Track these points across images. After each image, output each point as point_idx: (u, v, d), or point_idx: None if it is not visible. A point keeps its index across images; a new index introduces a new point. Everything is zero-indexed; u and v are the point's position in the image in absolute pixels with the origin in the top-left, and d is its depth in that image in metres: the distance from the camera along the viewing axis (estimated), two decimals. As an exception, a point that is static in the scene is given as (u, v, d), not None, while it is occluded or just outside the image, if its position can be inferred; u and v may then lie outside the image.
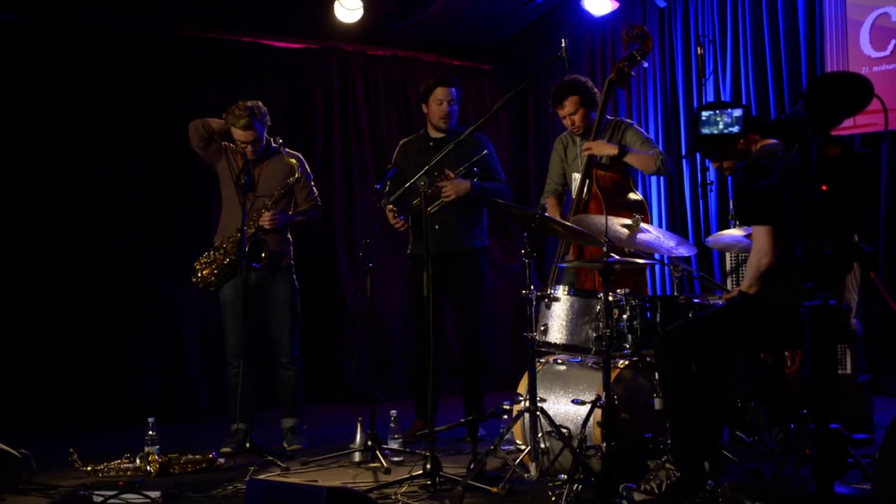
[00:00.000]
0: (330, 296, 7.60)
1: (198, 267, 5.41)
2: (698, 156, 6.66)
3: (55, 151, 6.64)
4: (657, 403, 4.08)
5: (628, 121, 5.47)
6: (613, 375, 4.13)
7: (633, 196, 5.24)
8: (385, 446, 5.00)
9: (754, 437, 4.53)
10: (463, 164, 5.47)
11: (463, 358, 5.89)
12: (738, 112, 2.63)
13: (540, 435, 4.22)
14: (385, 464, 4.71)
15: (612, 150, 5.15)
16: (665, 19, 7.72)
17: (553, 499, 3.88)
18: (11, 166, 6.47)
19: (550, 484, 4.03)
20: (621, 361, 4.34)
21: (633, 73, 5.31)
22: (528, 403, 4.25)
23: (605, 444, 3.92)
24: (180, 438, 5.69)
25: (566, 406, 4.35)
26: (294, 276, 5.51)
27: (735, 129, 2.63)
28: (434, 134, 5.75)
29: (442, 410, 5.54)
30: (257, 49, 7.50)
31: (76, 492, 4.31)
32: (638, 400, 4.23)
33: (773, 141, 3.77)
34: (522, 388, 4.44)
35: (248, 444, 5.01)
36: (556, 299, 4.41)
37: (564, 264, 4.95)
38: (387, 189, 5.48)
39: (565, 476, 3.98)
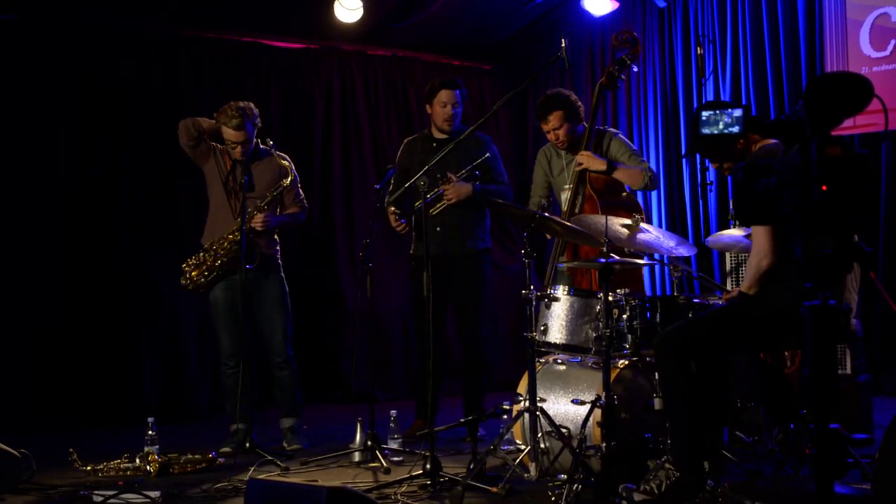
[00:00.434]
0: (330, 296, 7.60)
1: (186, 269, 5.40)
2: (698, 156, 6.66)
3: (55, 151, 6.64)
4: (657, 403, 4.08)
5: (613, 130, 5.46)
6: (613, 375, 4.13)
7: (626, 196, 5.25)
8: (385, 446, 5.00)
9: (754, 437, 4.53)
10: (465, 166, 5.46)
11: (464, 359, 5.89)
12: (738, 112, 2.63)
13: (540, 435, 4.22)
14: (385, 464, 4.71)
15: (601, 165, 5.15)
16: (665, 19, 7.72)
17: (553, 499, 3.88)
18: (11, 166, 6.48)
19: (550, 484, 4.03)
20: (621, 361, 4.34)
21: (623, 76, 5.31)
22: (527, 403, 4.25)
23: (604, 444, 3.92)
24: (180, 438, 5.69)
25: (566, 406, 4.35)
26: (283, 275, 5.51)
27: (735, 129, 2.63)
28: (437, 135, 5.75)
29: (442, 410, 5.54)
30: (257, 49, 7.50)
31: (76, 492, 4.30)
32: (638, 400, 4.23)
33: (772, 141, 3.77)
34: (522, 387, 4.44)
35: (247, 444, 5.00)
36: (556, 299, 4.41)
37: (561, 264, 4.95)
38: (389, 189, 5.48)
39: (565, 476, 3.98)
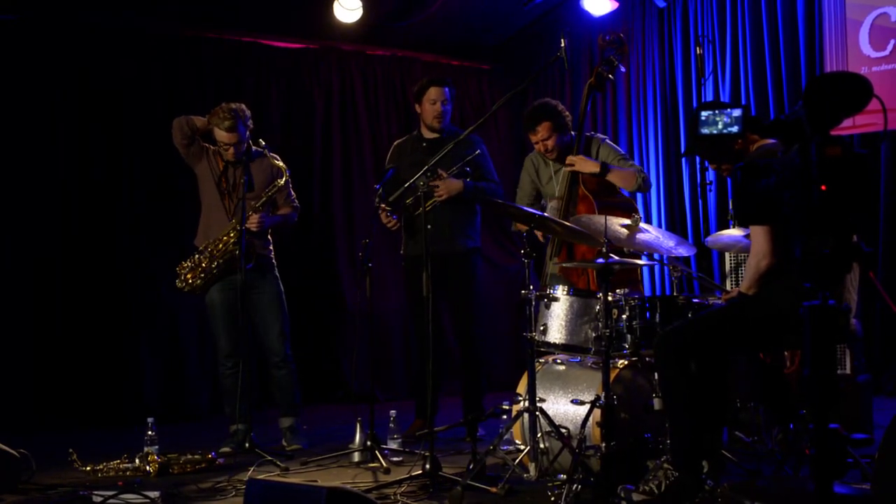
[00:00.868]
0: (330, 296, 7.60)
1: (182, 272, 5.40)
2: (697, 156, 6.66)
3: (55, 151, 6.64)
4: (656, 403, 4.08)
5: (601, 136, 5.45)
6: (613, 375, 4.13)
7: (620, 196, 5.25)
8: (384, 446, 5.00)
9: (754, 437, 4.53)
10: (456, 163, 5.46)
11: (461, 358, 5.89)
12: (737, 112, 2.63)
13: (539, 435, 4.22)
14: (384, 464, 4.71)
15: (594, 167, 5.15)
16: (664, 19, 7.72)
17: (552, 499, 3.88)
18: (11, 166, 6.48)
19: (550, 484, 4.03)
20: (620, 361, 4.34)
21: (611, 77, 5.32)
22: (527, 403, 4.25)
23: (604, 444, 3.92)
24: (180, 438, 5.69)
25: (565, 406, 4.35)
26: (277, 275, 5.52)
27: (734, 128, 2.63)
28: (427, 134, 5.75)
29: (441, 410, 5.54)
30: (257, 49, 7.50)
31: (75, 492, 4.30)
32: (637, 400, 4.23)
33: (771, 141, 3.77)
34: (522, 388, 4.44)
35: (247, 445, 5.00)
36: (556, 299, 4.41)
37: (555, 265, 4.95)
38: (387, 189, 5.49)
39: (564, 476, 3.98)
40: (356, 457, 4.90)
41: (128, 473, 4.72)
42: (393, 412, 5.19)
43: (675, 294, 4.54)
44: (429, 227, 5.48)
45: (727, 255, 5.59)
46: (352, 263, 7.65)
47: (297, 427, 5.50)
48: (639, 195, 7.10)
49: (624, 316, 4.25)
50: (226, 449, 5.19)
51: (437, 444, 4.67)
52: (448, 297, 5.76)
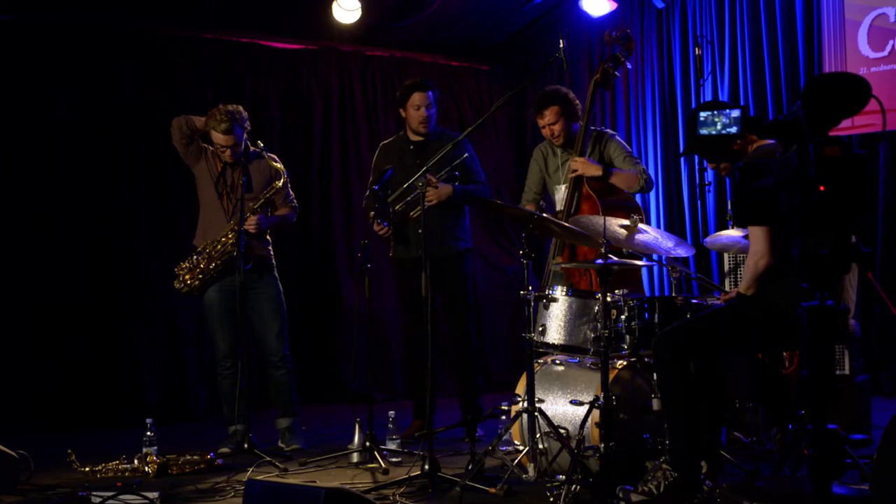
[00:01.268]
0: (329, 296, 7.60)
1: (180, 273, 5.40)
2: (696, 156, 6.66)
3: (55, 151, 6.63)
4: (655, 404, 4.09)
5: (610, 132, 5.47)
6: (611, 376, 4.13)
7: (624, 196, 5.25)
8: (383, 447, 5.00)
9: (752, 437, 4.53)
10: (444, 167, 5.46)
11: (457, 359, 5.90)
12: (736, 112, 2.63)
13: (538, 435, 4.22)
14: (383, 464, 4.71)
15: (596, 171, 5.16)
16: (663, 20, 7.72)
17: (551, 499, 3.88)
18: (11, 166, 6.47)
19: (549, 484, 4.03)
20: (619, 362, 4.34)
21: (617, 74, 5.32)
22: (526, 404, 4.25)
23: (603, 445, 3.92)
24: (179, 439, 5.69)
25: (564, 406, 4.35)
26: (276, 275, 5.52)
27: (733, 129, 2.63)
28: (413, 137, 5.75)
29: (440, 411, 5.54)
30: (256, 49, 7.50)
31: (74, 492, 4.29)
32: (636, 400, 4.23)
33: (770, 141, 3.77)
34: (520, 388, 4.44)
35: (245, 445, 5.00)
36: (555, 300, 4.41)
37: (555, 265, 4.95)
38: (382, 191, 5.49)
39: (563, 477, 3.99)
40: (355, 457, 4.90)
41: (126, 474, 4.72)
42: (392, 413, 5.19)
43: (673, 295, 4.54)
44: (420, 231, 5.50)
45: (726, 255, 5.59)
46: (351, 263, 7.65)
47: (295, 427, 5.50)
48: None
49: (623, 316, 4.25)
50: (224, 449, 5.18)
51: (436, 444, 4.66)
52: (442, 299, 5.77)
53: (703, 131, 2.65)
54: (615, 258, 4.28)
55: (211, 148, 5.44)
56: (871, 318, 6.54)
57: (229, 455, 5.07)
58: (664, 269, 6.60)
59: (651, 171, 7.71)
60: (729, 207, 6.32)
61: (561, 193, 5.33)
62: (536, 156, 5.61)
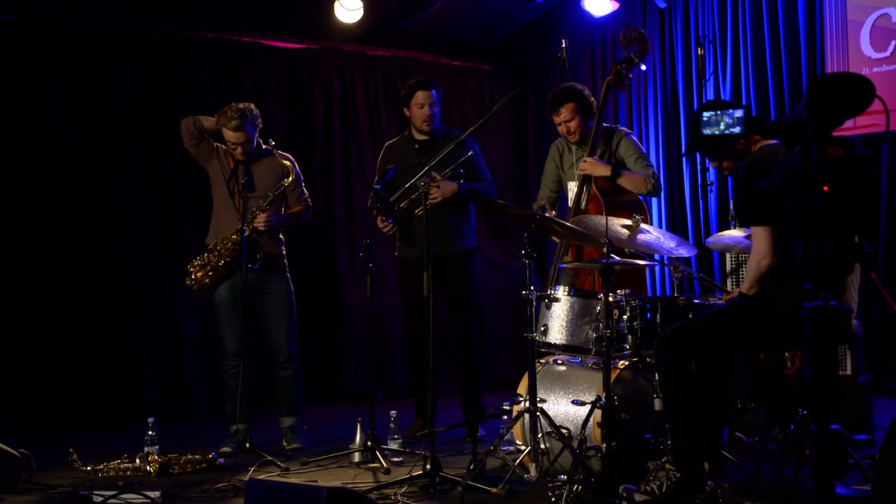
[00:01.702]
0: (330, 296, 7.60)
1: (191, 270, 5.41)
2: (698, 156, 6.66)
3: (55, 151, 6.63)
4: (657, 404, 4.09)
5: (624, 129, 5.45)
6: (613, 376, 4.13)
7: (630, 196, 5.24)
8: (385, 446, 5.00)
9: (754, 437, 4.53)
10: (449, 165, 5.45)
11: (459, 359, 5.89)
12: (739, 112, 2.63)
13: (540, 435, 4.22)
14: (385, 464, 4.71)
15: (605, 171, 5.15)
16: (665, 20, 7.72)
17: (553, 499, 3.87)
18: (11, 166, 6.47)
19: (550, 484, 4.02)
20: (621, 362, 4.34)
21: (630, 75, 5.32)
22: (527, 404, 4.25)
23: (604, 445, 3.92)
24: (180, 438, 5.69)
25: (566, 406, 4.35)
26: (288, 275, 5.52)
27: (736, 129, 2.63)
28: (418, 136, 5.75)
29: (441, 410, 5.53)
30: (257, 49, 7.50)
31: (76, 492, 4.30)
32: (638, 400, 4.23)
33: (773, 141, 3.76)
34: (522, 388, 4.44)
35: (247, 445, 5.00)
36: (557, 300, 4.41)
37: (563, 265, 4.95)
38: (383, 190, 5.49)
39: (565, 477, 3.98)
40: (356, 457, 4.89)
41: (128, 473, 4.72)
42: (393, 412, 5.19)
43: (675, 295, 4.54)
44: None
45: (728, 255, 5.59)
46: (352, 263, 7.65)
47: (297, 426, 5.50)
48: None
49: (625, 316, 4.25)
50: (226, 449, 5.18)
51: (438, 444, 4.66)
52: (445, 298, 5.76)
53: (707, 131, 2.65)
54: (617, 258, 4.27)
55: (223, 146, 5.45)
56: (872, 319, 6.54)
57: (231, 454, 5.07)
58: (666, 269, 6.59)
59: (653, 172, 7.71)
60: (731, 207, 6.32)
61: (573, 192, 5.32)
62: (552, 152, 5.61)
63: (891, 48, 6.58)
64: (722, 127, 2.64)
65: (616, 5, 7.39)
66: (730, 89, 7.26)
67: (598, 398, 4.07)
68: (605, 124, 5.37)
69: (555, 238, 5.41)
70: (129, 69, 6.88)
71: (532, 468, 4.19)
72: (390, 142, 5.97)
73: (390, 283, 7.50)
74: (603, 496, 3.79)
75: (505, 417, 4.82)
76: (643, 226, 4.52)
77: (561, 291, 4.44)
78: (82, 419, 6.41)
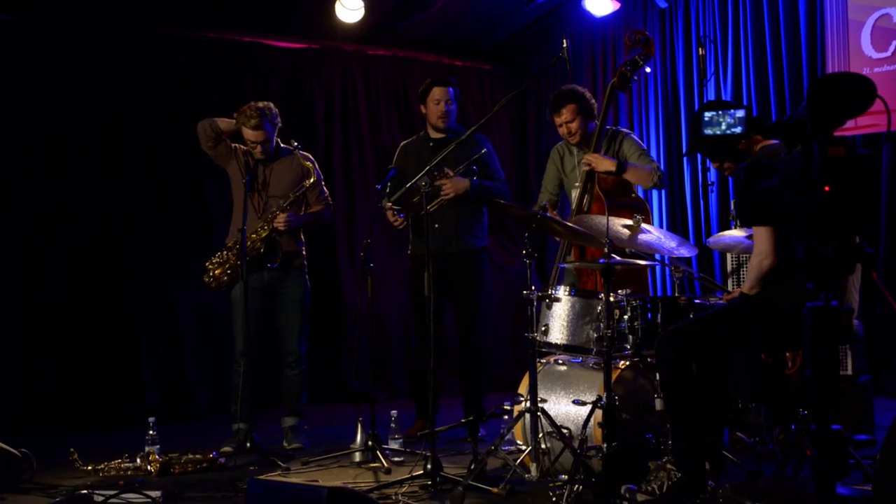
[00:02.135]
0: (330, 296, 7.60)
1: (210, 267, 5.43)
2: (699, 156, 6.66)
3: (55, 151, 6.63)
4: (658, 404, 4.08)
5: (625, 130, 5.46)
6: (614, 376, 4.13)
7: (634, 197, 5.24)
8: (385, 446, 5.00)
9: (755, 437, 4.53)
10: (462, 162, 5.46)
11: (461, 358, 5.89)
12: (740, 112, 2.63)
13: (541, 435, 4.22)
14: (385, 464, 4.71)
15: (610, 165, 5.15)
16: (666, 20, 7.72)
17: (554, 499, 3.87)
18: (11, 166, 6.47)
19: (551, 484, 4.02)
20: (622, 362, 4.34)
21: (635, 77, 5.31)
22: (528, 404, 4.25)
23: (605, 445, 3.92)
24: (181, 438, 5.69)
25: (567, 406, 4.35)
26: (307, 276, 5.54)
27: (737, 129, 2.63)
28: (434, 134, 5.75)
29: (442, 410, 5.53)
30: (258, 49, 7.49)
31: (77, 491, 4.30)
32: (639, 400, 4.23)
33: (774, 141, 3.77)
34: (523, 388, 4.44)
35: (248, 444, 5.01)
36: (557, 300, 4.41)
37: (565, 265, 4.95)
38: (387, 189, 5.49)
39: (566, 476, 3.98)
40: (357, 457, 4.89)
41: (129, 473, 4.72)
42: (394, 412, 5.19)
43: (676, 295, 4.54)
44: (436, 225, 5.49)
45: (729, 255, 5.59)
46: (352, 263, 7.65)
47: (299, 427, 5.50)
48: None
49: (625, 316, 4.25)
50: (227, 448, 5.18)
51: (439, 444, 4.66)
52: (452, 297, 5.76)
53: (708, 131, 2.65)
54: (618, 258, 4.27)
55: (242, 147, 5.46)
56: (873, 319, 6.54)
57: (231, 454, 5.07)
58: (667, 269, 6.60)
59: (654, 172, 7.71)
60: (732, 207, 6.32)
61: (577, 192, 5.32)
62: (553, 155, 5.61)
63: (892, 48, 6.58)
64: (723, 127, 2.64)
65: (617, 5, 7.39)
66: (731, 89, 7.25)
67: (599, 398, 4.07)
68: (608, 126, 5.37)
69: (556, 238, 5.40)
70: (129, 69, 6.88)
71: (533, 468, 4.18)
72: (405, 142, 5.98)
73: (391, 283, 7.51)
74: (604, 496, 3.79)
75: (506, 417, 4.82)
76: (644, 226, 4.52)
77: (562, 291, 4.44)
78: (82, 419, 6.41)
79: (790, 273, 3.62)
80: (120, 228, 6.79)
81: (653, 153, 7.72)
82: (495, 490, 4.04)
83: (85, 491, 4.26)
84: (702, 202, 7.11)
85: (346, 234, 7.73)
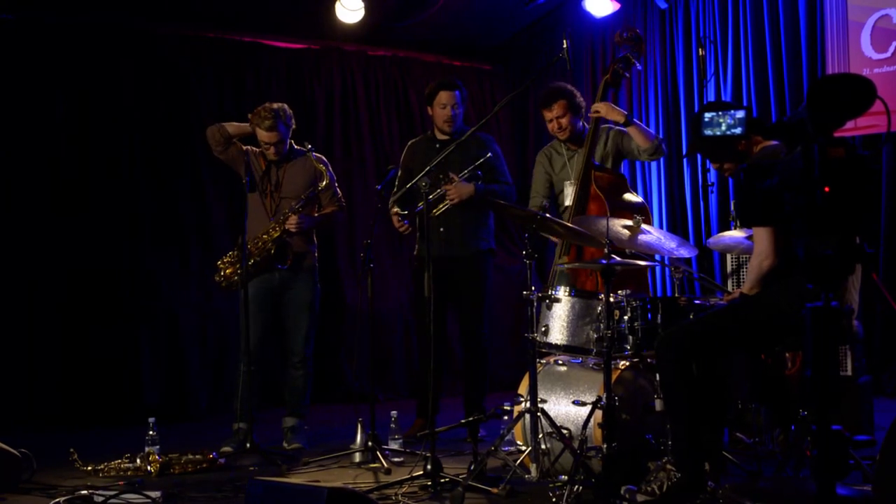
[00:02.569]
0: (330, 296, 7.58)
1: (221, 266, 5.44)
2: (699, 157, 6.66)
3: (55, 151, 6.63)
4: (658, 404, 4.09)
5: (611, 124, 5.47)
6: (614, 376, 4.13)
7: (631, 197, 5.25)
8: (385, 447, 5.00)
9: (755, 438, 4.52)
10: (467, 165, 5.46)
11: (465, 359, 5.89)
12: (740, 113, 2.63)
13: (541, 436, 4.22)
14: (385, 464, 4.71)
15: (619, 116, 5.20)
16: (666, 21, 7.72)
17: (553, 500, 3.87)
18: (11, 166, 6.47)
19: (551, 485, 4.02)
20: (622, 362, 4.34)
21: (627, 74, 5.35)
22: (528, 404, 4.25)
23: (605, 445, 3.92)
24: (180, 438, 5.68)
25: (567, 407, 4.35)
26: (317, 278, 5.55)
27: (738, 130, 2.63)
28: (440, 136, 5.75)
29: (442, 411, 5.54)
30: (258, 49, 7.50)
31: (77, 491, 4.30)
32: (638, 401, 4.23)
33: (774, 142, 3.77)
34: (523, 388, 4.44)
35: (248, 444, 5.01)
36: (557, 300, 4.41)
37: (562, 265, 4.95)
38: (392, 190, 5.50)
39: (566, 477, 3.99)
40: (357, 457, 4.89)
41: (129, 473, 4.72)
42: (394, 413, 5.19)
43: (676, 295, 4.54)
44: (441, 229, 5.50)
45: (729, 256, 5.60)
46: (352, 264, 7.65)
47: (299, 427, 5.50)
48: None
49: (625, 317, 4.25)
50: (227, 448, 5.18)
51: (439, 444, 4.66)
52: (458, 299, 5.76)
53: (708, 132, 2.65)
54: (618, 258, 4.27)
55: (254, 149, 5.47)
56: (873, 319, 6.54)
57: (231, 454, 5.07)
58: (667, 269, 6.60)
59: (653, 172, 7.72)
60: (732, 208, 6.32)
61: (570, 189, 5.32)
62: (540, 159, 5.62)
63: (891, 49, 6.58)
64: (723, 128, 2.64)
65: (617, 6, 7.39)
66: (731, 90, 7.26)
67: (599, 398, 4.07)
68: (601, 125, 5.38)
69: (553, 239, 5.40)
70: (129, 69, 6.88)
71: (533, 468, 4.19)
72: (412, 141, 5.98)
73: (391, 283, 7.51)
74: (604, 497, 3.79)
75: (506, 418, 4.82)
76: (644, 226, 4.52)
77: (562, 292, 4.44)
78: (83, 419, 6.41)
79: (790, 273, 3.63)
80: (120, 228, 6.79)
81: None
82: (495, 490, 4.04)
83: (85, 491, 4.26)
84: (702, 203, 7.12)
85: (346, 234, 7.73)
